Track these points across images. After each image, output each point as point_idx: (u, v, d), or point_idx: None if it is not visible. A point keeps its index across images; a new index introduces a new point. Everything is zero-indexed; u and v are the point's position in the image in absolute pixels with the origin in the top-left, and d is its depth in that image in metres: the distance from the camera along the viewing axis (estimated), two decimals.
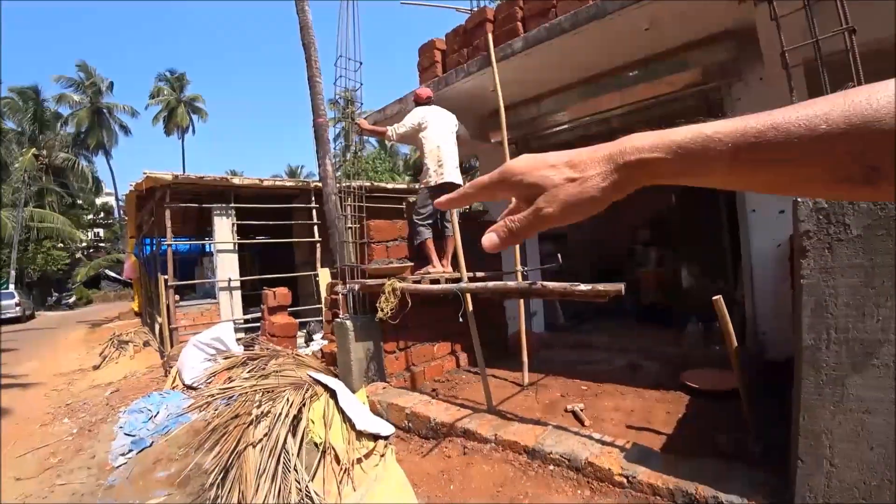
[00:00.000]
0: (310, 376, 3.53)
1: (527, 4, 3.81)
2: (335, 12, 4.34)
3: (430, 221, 3.80)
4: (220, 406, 3.42)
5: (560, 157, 0.40)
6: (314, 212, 8.20)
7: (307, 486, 2.45)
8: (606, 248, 7.35)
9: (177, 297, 7.14)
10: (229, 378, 4.07)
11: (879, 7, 2.33)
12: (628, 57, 3.78)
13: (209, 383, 4.23)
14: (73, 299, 24.96)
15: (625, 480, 2.06)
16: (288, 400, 3.13)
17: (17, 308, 17.47)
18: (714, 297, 2.20)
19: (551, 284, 2.57)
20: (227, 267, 7.59)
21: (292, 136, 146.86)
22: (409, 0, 5.50)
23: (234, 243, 7.67)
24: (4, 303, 17.19)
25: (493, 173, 0.42)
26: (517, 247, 3.98)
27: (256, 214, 7.84)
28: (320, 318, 6.93)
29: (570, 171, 0.39)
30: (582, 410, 2.94)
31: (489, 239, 0.42)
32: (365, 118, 4.84)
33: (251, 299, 8.18)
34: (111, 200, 33.13)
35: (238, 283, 7.68)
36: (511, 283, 3.05)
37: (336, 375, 3.68)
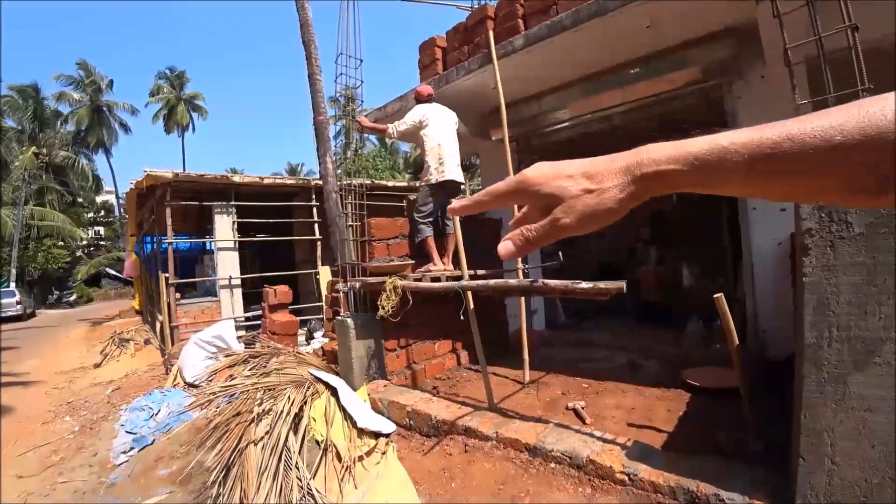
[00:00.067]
0: (311, 374, 3.53)
1: (528, 2, 3.80)
2: (335, 11, 4.34)
3: (431, 219, 3.79)
4: (221, 404, 3.42)
5: (577, 167, 0.40)
6: (315, 210, 8.20)
7: (309, 484, 2.46)
8: (607, 246, 7.35)
9: (177, 295, 7.14)
10: (231, 376, 4.08)
11: (879, 7, 2.32)
12: (629, 54, 3.77)
13: (210, 381, 4.23)
14: (73, 297, 24.99)
15: (626, 478, 2.06)
16: (289, 398, 3.14)
17: (18, 306, 17.48)
18: (715, 296, 2.20)
19: (552, 282, 2.57)
20: (227, 265, 7.60)
21: (292, 134, 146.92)
22: None
23: (235, 241, 7.68)
24: (5, 301, 17.20)
25: (508, 181, 0.42)
26: None
27: (257, 212, 7.84)
28: (321, 316, 6.94)
29: (588, 182, 0.39)
30: (583, 408, 2.94)
31: (505, 247, 0.43)
32: (365, 116, 4.84)
33: (252, 297, 8.19)
34: (111, 198, 33.10)
35: (239, 281, 7.69)
36: (512, 281, 3.05)
37: (337, 373, 3.68)
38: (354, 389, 3.43)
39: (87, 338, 10.61)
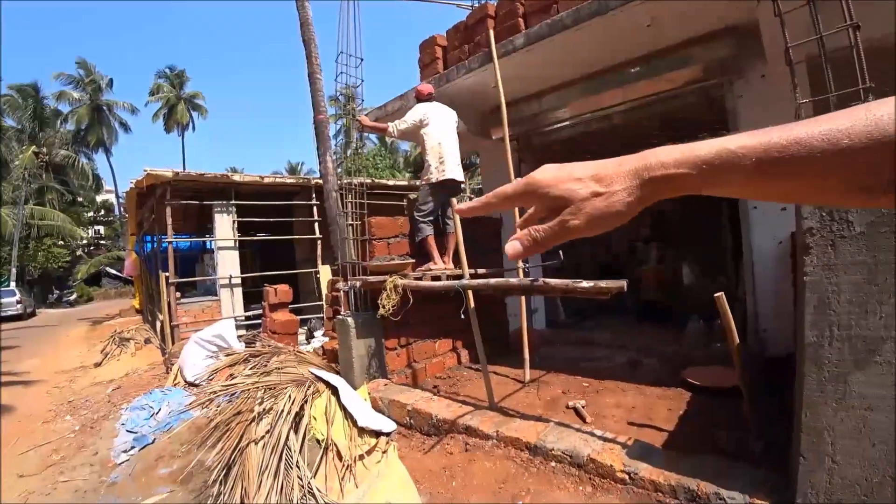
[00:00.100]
0: (311, 373, 3.53)
1: (528, 1, 3.80)
2: (335, 9, 4.34)
3: (431, 218, 3.80)
4: (222, 403, 3.42)
5: (585, 170, 0.40)
6: (315, 209, 8.20)
7: (309, 483, 2.46)
8: (607, 245, 7.35)
9: (178, 294, 7.14)
10: (231, 375, 4.08)
11: (879, 7, 2.32)
12: (630, 53, 3.77)
13: (211, 380, 4.23)
14: (73, 297, 24.98)
15: (627, 477, 2.06)
16: (290, 397, 3.14)
17: (19, 306, 17.49)
18: (716, 294, 2.20)
19: (553, 281, 2.57)
20: (227, 264, 7.60)
21: (292, 133, 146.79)
22: None
23: (235, 240, 7.68)
24: (5, 300, 17.21)
25: (516, 183, 0.43)
26: None
27: (257, 211, 7.83)
28: (321, 315, 6.94)
29: (597, 185, 0.39)
30: (583, 407, 2.94)
31: (513, 247, 0.43)
32: (366, 115, 4.83)
33: (252, 296, 8.19)
34: (111, 198, 33.10)
35: (239, 280, 7.69)
36: (513, 280, 3.05)
37: (337, 372, 3.68)
38: (355, 388, 3.44)
39: (87, 337, 10.61)
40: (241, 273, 7.75)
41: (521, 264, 3.70)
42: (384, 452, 2.76)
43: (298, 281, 8.64)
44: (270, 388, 3.34)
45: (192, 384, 4.41)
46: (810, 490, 1.57)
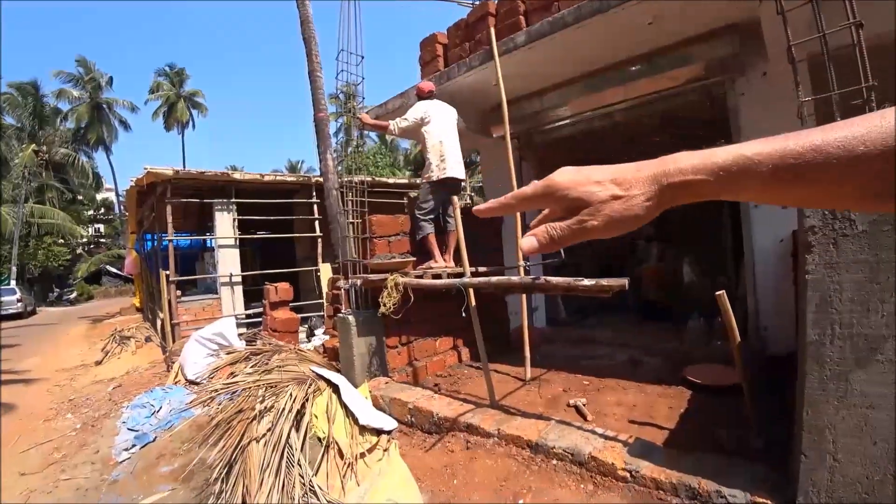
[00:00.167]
0: (312, 371, 3.54)
1: None
2: (336, 8, 4.32)
3: (432, 216, 3.79)
4: (223, 401, 3.43)
5: (605, 173, 0.41)
6: (315, 207, 8.20)
7: (311, 481, 2.47)
8: (607, 245, 7.34)
9: (178, 292, 7.15)
10: (232, 373, 4.09)
11: (879, 6, 2.32)
12: (631, 51, 3.76)
13: (212, 378, 4.24)
14: (74, 295, 24.98)
15: (628, 475, 2.07)
16: (291, 395, 3.14)
17: (19, 304, 17.52)
18: (717, 293, 2.20)
19: (554, 279, 2.56)
20: (228, 262, 7.61)
21: (292, 131, 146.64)
22: None
23: (236, 238, 7.68)
24: (6, 299, 17.23)
25: (535, 185, 0.43)
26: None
27: (257, 210, 7.83)
28: (322, 314, 6.94)
29: (616, 189, 0.40)
30: (584, 405, 2.95)
31: (529, 242, 0.43)
32: (366, 113, 4.83)
33: (252, 294, 8.19)
34: (111, 196, 33.10)
35: (239, 279, 7.69)
36: (514, 278, 3.05)
37: (338, 370, 3.69)
38: (356, 386, 3.44)
39: (87, 335, 10.63)
40: (242, 271, 7.76)
41: (521, 262, 3.70)
42: (385, 450, 2.76)
43: (299, 279, 8.64)
44: (271, 387, 3.34)
45: (193, 382, 4.41)
46: (811, 488, 1.57)
